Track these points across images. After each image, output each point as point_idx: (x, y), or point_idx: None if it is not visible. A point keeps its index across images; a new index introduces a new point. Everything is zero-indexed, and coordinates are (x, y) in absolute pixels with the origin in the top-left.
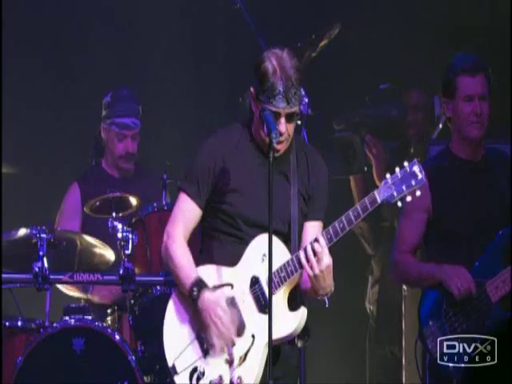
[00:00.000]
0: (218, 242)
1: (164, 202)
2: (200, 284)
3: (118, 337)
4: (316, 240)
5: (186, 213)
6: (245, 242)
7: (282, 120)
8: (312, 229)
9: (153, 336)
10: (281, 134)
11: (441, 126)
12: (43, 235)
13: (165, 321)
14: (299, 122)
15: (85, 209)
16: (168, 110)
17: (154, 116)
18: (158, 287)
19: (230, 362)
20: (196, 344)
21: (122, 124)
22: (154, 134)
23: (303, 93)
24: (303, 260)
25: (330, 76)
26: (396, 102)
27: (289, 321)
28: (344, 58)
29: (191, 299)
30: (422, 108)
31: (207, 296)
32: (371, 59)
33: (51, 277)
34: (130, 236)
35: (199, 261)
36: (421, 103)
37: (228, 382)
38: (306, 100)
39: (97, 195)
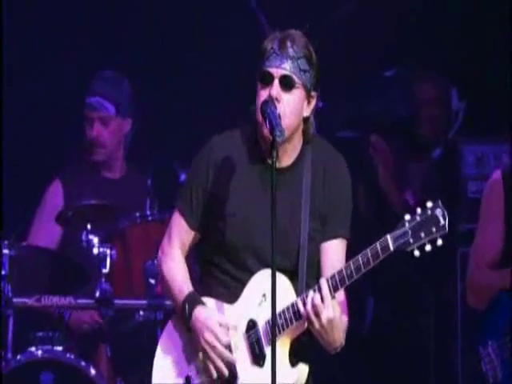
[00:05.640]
0: (212, 274)
1: (148, 212)
2: (192, 299)
3: (93, 371)
4: (319, 288)
5: (181, 231)
6: (244, 278)
7: (275, 82)
8: (329, 251)
9: (134, 369)
10: (271, 99)
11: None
12: (5, 251)
13: (156, 355)
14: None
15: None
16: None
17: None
18: (141, 312)
19: None
20: None
21: (87, 105)
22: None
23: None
24: (302, 311)
25: (329, 60)
26: (404, 94)
27: (285, 378)
28: (346, 39)
29: (184, 319)
30: (436, 102)
31: (200, 312)
32: (375, 41)
33: (14, 300)
34: (108, 252)
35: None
36: (435, 96)
37: None
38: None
39: (81, 197)
